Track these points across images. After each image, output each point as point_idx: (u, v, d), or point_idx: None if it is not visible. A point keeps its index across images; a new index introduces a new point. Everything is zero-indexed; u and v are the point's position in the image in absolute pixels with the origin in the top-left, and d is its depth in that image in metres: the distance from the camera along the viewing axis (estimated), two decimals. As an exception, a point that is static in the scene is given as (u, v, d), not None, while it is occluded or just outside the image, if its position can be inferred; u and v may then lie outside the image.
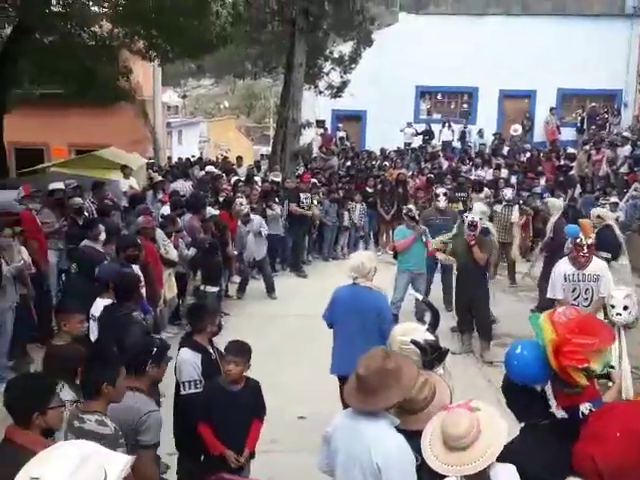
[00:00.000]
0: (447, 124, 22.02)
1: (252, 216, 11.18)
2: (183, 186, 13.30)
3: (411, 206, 9.77)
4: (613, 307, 5.19)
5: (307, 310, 9.74)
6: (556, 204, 10.64)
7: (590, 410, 3.34)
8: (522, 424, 3.31)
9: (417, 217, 9.21)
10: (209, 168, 16.37)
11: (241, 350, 4.45)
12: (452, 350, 7.21)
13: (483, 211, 8.90)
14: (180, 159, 20.32)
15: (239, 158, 18.36)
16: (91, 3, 11.53)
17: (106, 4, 12.48)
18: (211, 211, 9.96)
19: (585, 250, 6.74)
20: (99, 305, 5.76)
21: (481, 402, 2.91)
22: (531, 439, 3.17)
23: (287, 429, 5.98)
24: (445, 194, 10.54)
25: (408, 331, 3.76)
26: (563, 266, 6.93)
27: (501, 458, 2.81)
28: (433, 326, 4.25)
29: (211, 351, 4.88)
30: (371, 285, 5.71)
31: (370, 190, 14.98)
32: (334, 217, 13.92)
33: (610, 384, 3.90)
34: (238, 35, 17.30)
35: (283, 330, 9.14)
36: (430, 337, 3.75)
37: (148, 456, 3.87)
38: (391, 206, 14.40)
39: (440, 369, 3.69)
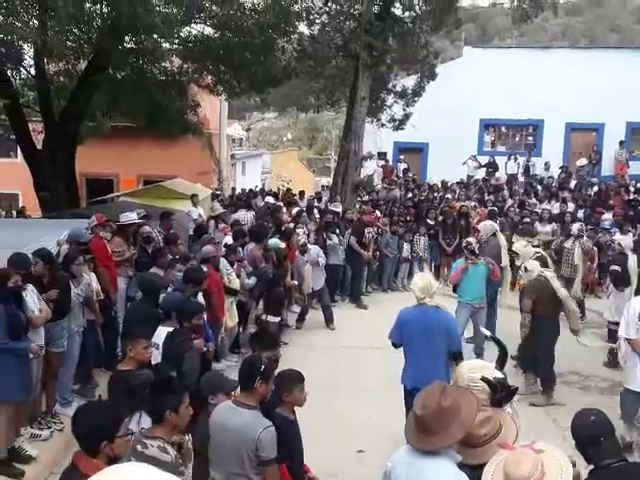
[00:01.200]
0: (513, 157, 21.73)
1: (309, 246, 11.24)
2: (244, 216, 13.53)
3: (471, 239, 9.57)
4: None
5: (365, 341, 9.72)
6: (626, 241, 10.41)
7: None
8: (591, 466, 3.22)
9: (477, 250, 9.05)
10: (268, 199, 16.61)
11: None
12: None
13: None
14: (243, 190, 20.70)
15: (301, 193, 18.55)
16: (162, 40, 11.97)
17: (177, 41, 12.95)
18: (278, 243, 10.03)
19: None
20: (162, 333, 5.86)
21: (546, 444, 2.83)
22: None
23: (346, 463, 5.91)
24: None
25: (477, 368, 3.69)
26: (639, 303, 6.49)
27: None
28: (501, 364, 4.16)
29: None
30: (438, 304, 5.90)
31: (431, 222, 14.88)
32: (395, 249, 13.87)
33: None
34: (302, 69, 17.67)
35: (340, 361, 9.10)
36: (499, 375, 3.69)
37: (271, 471, 3.96)
38: (453, 238, 14.24)
39: (508, 407, 3.61)
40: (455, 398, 3.15)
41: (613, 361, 8.81)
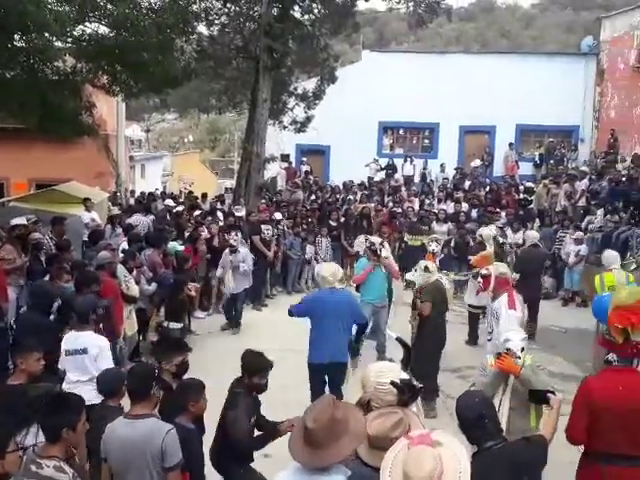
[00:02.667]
0: (409, 159, 22.36)
1: (240, 249, 11.21)
2: (139, 220, 13.17)
3: (374, 239, 9.70)
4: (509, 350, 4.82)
5: (271, 344, 9.69)
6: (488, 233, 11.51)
7: (615, 360, 4.22)
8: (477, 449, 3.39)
9: (379, 251, 9.22)
10: (168, 202, 16.29)
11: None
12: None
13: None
14: (142, 193, 20.19)
15: (204, 195, 18.32)
16: (54, 39, 11.47)
17: (70, 40, 12.45)
18: (175, 246, 9.88)
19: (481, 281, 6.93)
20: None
21: (443, 433, 2.83)
22: (482, 466, 3.20)
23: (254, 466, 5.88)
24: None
25: (383, 372, 3.74)
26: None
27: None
28: (406, 364, 4.25)
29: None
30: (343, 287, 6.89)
31: (334, 224, 15.07)
32: (298, 250, 13.96)
33: (547, 410, 4.07)
34: (203, 70, 17.46)
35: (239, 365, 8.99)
36: (405, 376, 3.76)
37: (174, 477, 3.86)
38: (355, 239, 14.48)
39: (413, 406, 3.69)
40: (345, 411, 3.08)
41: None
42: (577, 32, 40.45)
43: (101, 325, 6.52)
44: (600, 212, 14.34)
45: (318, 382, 6.77)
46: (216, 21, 18.89)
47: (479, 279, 7.19)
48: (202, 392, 4.37)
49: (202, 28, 18.45)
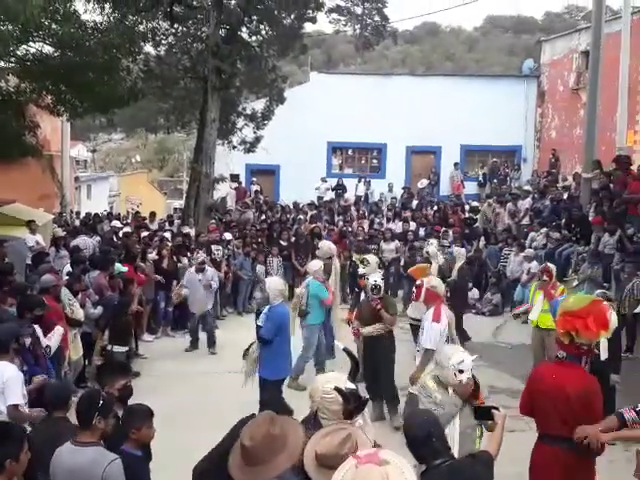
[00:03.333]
0: (363, 179, 22.58)
1: (207, 267, 11.34)
2: (85, 242, 12.93)
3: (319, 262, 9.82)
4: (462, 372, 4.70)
5: (221, 366, 9.64)
6: (461, 252, 11.66)
7: (564, 357, 4.85)
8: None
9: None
10: (115, 223, 16.05)
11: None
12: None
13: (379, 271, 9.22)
14: (88, 214, 19.82)
15: (152, 214, 18.11)
16: (-4, 57, 11.28)
17: (13, 59, 12.22)
18: (119, 267, 9.73)
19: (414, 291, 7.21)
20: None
21: (390, 452, 2.77)
22: None
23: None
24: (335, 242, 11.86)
25: (329, 380, 3.73)
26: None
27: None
28: (353, 375, 4.25)
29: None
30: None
31: (284, 243, 15.09)
32: (249, 270, 13.91)
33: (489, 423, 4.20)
34: (150, 90, 17.34)
35: (193, 388, 8.87)
36: (351, 386, 3.74)
37: None
38: (306, 258, 14.52)
39: (359, 419, 3.69)
40: (283, 427, 3.07)
41: None
42: (519, 55, 41.74)
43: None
44: (543, 230, 14.75)
45: (280, 395, 6.87)
46: (163, 41, 18.84)
47: (413, 289, 7.40)
48: (147, 419, 4.27)
49: (149, 48, 18.38)
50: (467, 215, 17.89)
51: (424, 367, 6.61)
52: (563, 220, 14.57)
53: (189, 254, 12.74)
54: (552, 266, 9.36)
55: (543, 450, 4.70)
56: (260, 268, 14.11)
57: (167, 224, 17.03)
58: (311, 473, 3.14)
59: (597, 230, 12.78)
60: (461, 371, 4.65)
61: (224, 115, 18.97)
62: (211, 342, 10.99)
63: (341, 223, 17.89)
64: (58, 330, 7.10)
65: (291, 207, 19.92)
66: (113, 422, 4.12)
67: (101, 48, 11.81)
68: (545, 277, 9.04)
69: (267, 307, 7.43)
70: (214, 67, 16.87)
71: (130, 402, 4.63)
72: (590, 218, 13.60)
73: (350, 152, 25.05)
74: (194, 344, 11.11)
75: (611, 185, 13.78)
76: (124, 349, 8.63)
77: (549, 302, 8.78)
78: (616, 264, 11.56)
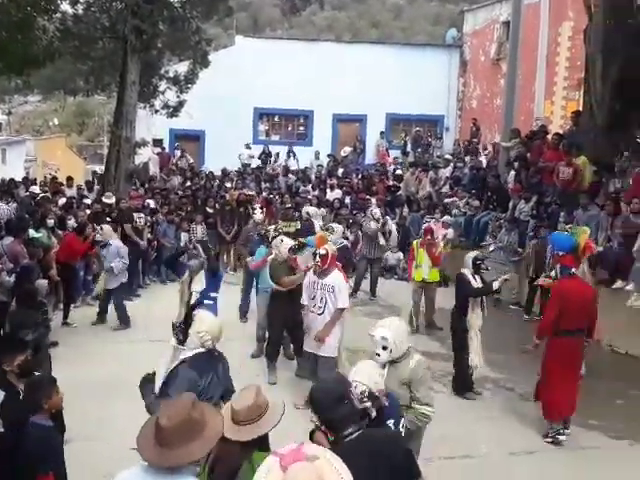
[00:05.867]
0: (291, 153, 22.44)
1: (112, 242, 10.59)
2: (1, 208, 12.38)
3: (271, 227, 9.83)
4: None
5: (145, 335, 9.52)
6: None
7: (573, 273, 6.94)
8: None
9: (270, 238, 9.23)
10: (33, 188, 15.45)
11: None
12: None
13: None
14: (3, 179, 18.94)
15: (69, 179, 17.49)
16: None
17: None
18: (34, 234, 9.38)
19: (319, 260, 7.14)
20: None
21: (313, 445, 2.49)
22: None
23: (120, 463, 5.75)
24: (261, 207, 11.73)
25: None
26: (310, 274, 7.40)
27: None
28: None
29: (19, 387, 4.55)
30: None
31: (210, 210, 14.92)
32: (172, 238, 13.70)
33: None
34: (67, 50, 16.62)
35: (113, 359, 8.74)
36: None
37: None
38: (232, 226, 14.44)
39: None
40: (204, 413, 2.95)
41: None
42: (444, 24, 42.08)
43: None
44: (463, 198, 15.17)
45: None
46: (81, -1, 18.01)
47: (317, 259, 7.35)
48: (53, 386, 4.16)
49: (66, 6, 17.50)
50: (391, 183, 18.16)
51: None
52: (481, 188, 15.02)
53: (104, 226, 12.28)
54: (433, 226, 11.12)
55: (561, 342, 6.47)
56: (184, 236, 13.90)
57: (86, 190, 16.48)
58: (229, 433, 3.17)
59: (515, 198, 13.26)
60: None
61: (145, 77, 18.41)
62: (119, 317, 10.45)
63: (267, 191, 17.82)
64: None
65: (216, 174, 19.65)
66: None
67: (14, 5, 11.34)
68: (428, 237, 10.39)
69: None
70: (134, 27, 16.29)
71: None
72: (510, 186, 14.07)
73: (277, 118, 24.88)
74: (101, 317, 10.59)
75: (528, 154, 14.28)
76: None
77: (432, 258, 10.33)
78: (530, 230, 12.07)
